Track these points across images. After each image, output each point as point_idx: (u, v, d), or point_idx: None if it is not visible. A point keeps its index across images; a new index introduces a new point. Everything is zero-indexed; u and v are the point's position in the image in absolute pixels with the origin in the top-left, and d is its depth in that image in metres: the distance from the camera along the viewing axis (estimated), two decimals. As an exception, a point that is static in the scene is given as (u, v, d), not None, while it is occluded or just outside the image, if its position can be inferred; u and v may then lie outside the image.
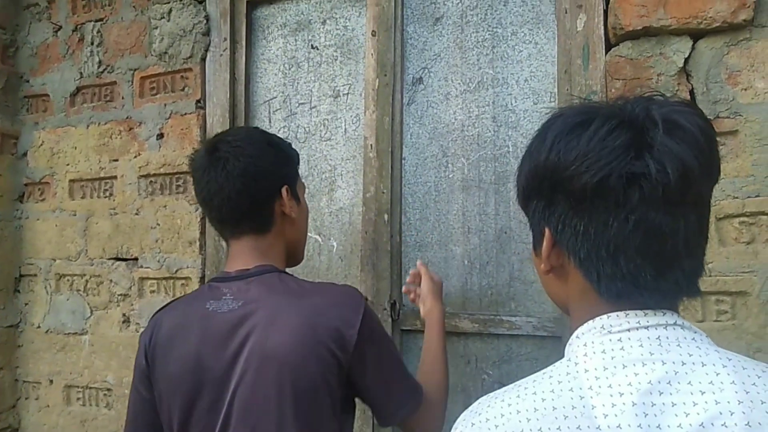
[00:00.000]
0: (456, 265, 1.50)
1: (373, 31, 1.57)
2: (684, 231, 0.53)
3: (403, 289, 1.35)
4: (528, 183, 0.60)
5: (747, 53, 1.20)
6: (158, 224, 1.78)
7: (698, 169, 0.52)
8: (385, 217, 1.54)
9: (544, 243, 0.59)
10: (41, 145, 1.99)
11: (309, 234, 1.63)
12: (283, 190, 0.99)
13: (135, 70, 1.84)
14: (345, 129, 1.63)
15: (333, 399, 0.88)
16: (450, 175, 1.52)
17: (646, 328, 0.53)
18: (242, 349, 0.87)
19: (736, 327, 1.18)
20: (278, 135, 1.08)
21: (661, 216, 0.52)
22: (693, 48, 1.23)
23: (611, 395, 0.50)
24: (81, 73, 1.93)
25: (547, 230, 0.58)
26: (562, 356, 1.39)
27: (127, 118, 1.85)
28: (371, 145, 1.56)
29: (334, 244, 1.63)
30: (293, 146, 1.08)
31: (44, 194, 1.99)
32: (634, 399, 0.49)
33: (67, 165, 1.95)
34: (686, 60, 1.23)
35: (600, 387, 0.51)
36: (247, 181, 0.95)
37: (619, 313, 0.55)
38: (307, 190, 1.65)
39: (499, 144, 1.47)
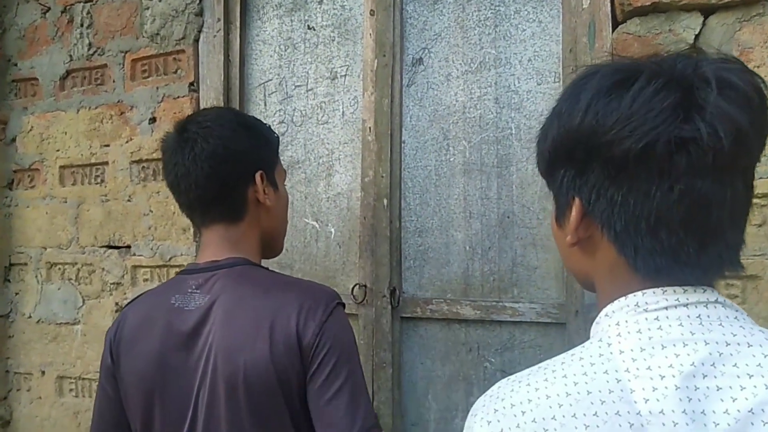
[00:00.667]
0: (457, 251, 1.46)
1: (371, 10, 1.52)
2: (731, 201, 0.49)
3: None
4: (556, 149, 0.55)
5: (760, 29, 1.16)
6: (151, 211, 1.74)
7: (752, 132, 0.47)
8: (384, 202, 1.50)
9: (573, 214, 0.54)
10: (30, 130, 1.94)
11: (306, 220, 1.59)
12: (257, 176, 0.92)
13: (126, 52, 1.79)
14: (343, 112, 1.59)
15: (292, 409, 0.81)
16: (451, 159, 1.48)
17: (686, 305, 0.49)
18: (205, 346, 0.83)
19: (747, 311, 1.14)
20: (258, 117, 1.02)
21: (708, 185, 0.47)
22: (704, 24, 1.19)
23: (651, 378, 0.46)
24: (70, 56, 1.87)
25: (577, 200, 0.54)
26: (568, 343, 1.35)
27: (118, 101, 1.80)
28: (370, 128, 1.52)
29: (332, 230, 1.59)
30: (281, 130, 1.03)
31: (34, 181, 1.94)
32: (677, 382, 0.45)
33: (57, 151, 1.90)
34: (696, 37, 1.19)
35: (638, 369, 0.47)
36: (216, 165, 0.88)
37: (655, 289, 0.51)
38: (304, 174, 1.61)
39: (502, 126, 1.43)
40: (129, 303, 0.96)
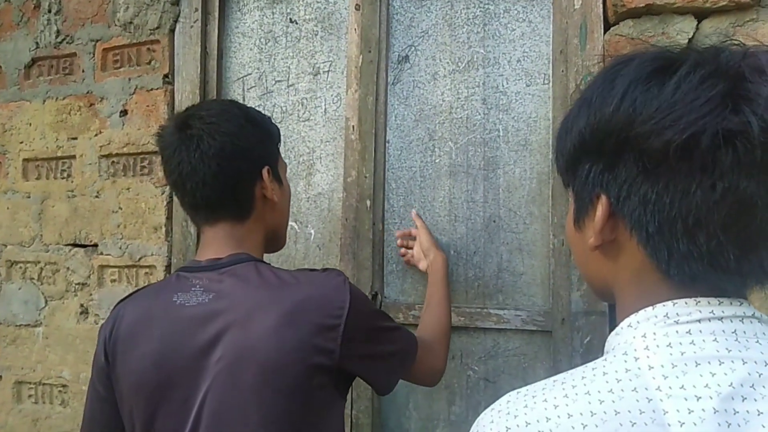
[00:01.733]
0: (441, 255, 1.41)
1: (357, 4, 1.47)
2: None
3: (400, 251, 1.40)
4: (583, 141, 0.50)
5: (753, 35, 1.14)
6: (120, 208, 1.65)
7: None
8: (367, 203, 1.44)
9: (598, 213, 0.50)
10: (-8, 120, 1.83)
11: (285, 220, 1.53)
12: (264, 172, 0.90)
13: (97, 41, 1.70)
14: (325, 109, 1.53)
15: (316, 400, 0.79)
16: (436, 160, 1.43)
17: (720, 319, 0.45)
18: (214, 347, 0.78)
19: None
20: (256, 109, 0.97)
21: (754, 184, 0.43)
22: (697, 29, 1.17)
23: (686, 399, 0.41)
24: (37, 43, 1.78)
25: (603, 197, 0.49)
26: (553, 352, 1.31)
27: (87, 92, 1.71)
28: (353, 126, 1.46)
29: (312, 231, 1.53)
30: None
31: (-5, 174, 1.83)
32: (715, 405, 0.41)
33: (21, 143, 1.79)
34: (690, 40, 1.17)
35: (671, 388, 0.42)
36: (224, 163, 0.85)
37: (687, 300, 0.46)
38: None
39: (489, 128, 1.39)
40: (123, 300, 0.91)
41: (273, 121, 0.98)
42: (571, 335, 1.27)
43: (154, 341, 0.81)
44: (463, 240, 1.40)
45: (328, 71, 1.53)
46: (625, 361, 0.45)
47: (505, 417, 0.46)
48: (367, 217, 1.44)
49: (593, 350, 1.25)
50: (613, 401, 0.43)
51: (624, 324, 0.49)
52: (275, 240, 1.00)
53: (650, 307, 0.48)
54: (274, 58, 1.59)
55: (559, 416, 0.43)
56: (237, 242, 0.88)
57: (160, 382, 0.79)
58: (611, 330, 1.25)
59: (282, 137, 1.53)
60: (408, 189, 1.45)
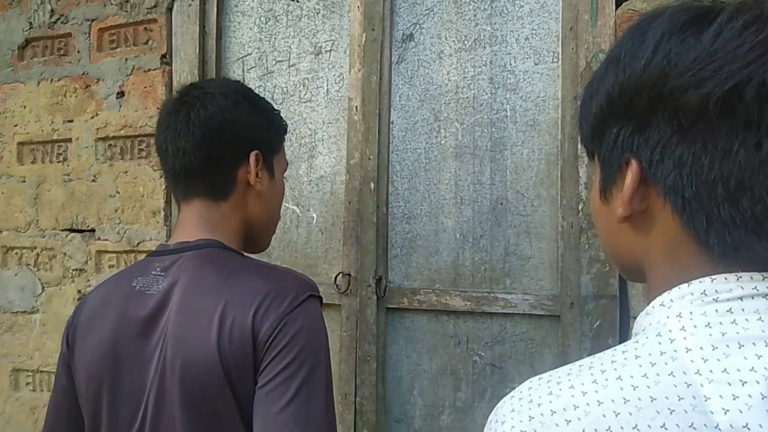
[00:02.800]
0: (447, 239, 1.38)
1: (359, -19, 1.43)
2: None
3: None
4: (610, 101, 0.46)
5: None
6: (118, 192, 1.62)
7: None
8: (371, 185, 1.41)
9: (628, 179, 0.45)
10: (-15, 103, 1.79)
11: (286, 205, 1.49)
12: (252, 155, 0.83)
13: (92, 20, 1.66)
14: (327, 89, 1.49)
15: (247, 414, 0.70)
16: (442, 142, 1.39)
17: (765, 296, 0.41)
18: (160, 338, 0.73)
19: None
20: (267, 99, 0.92)
21: None
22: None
23: (730, 384, 0.38)
24: (30, 23, 1.73)
25: (634, 162, 0.45)
26: (562, 337, 1.28)
27: (83, 74, 1.67)
28: (356, 107, 1.42)
29: (314, 215, 1.50)
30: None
31: (-11, 158, 1.79)
32: (762, 390, 0.37)
33: (16, 126, 1.75)
34: (705, 15, 1.13)
35: (712, 372, 0.39)
36: (209, 132, 0.80)
37: (727, 275, 0.42)
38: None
39: (497, 108, 1.36)
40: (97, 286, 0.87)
41: (280, 114, 0.92)
42: (580, 320, 1.24)
43: (107, 329, 0.76)
44: (469, 223, 1.37)
45: (331, 51, 1.49)
46: (660, 343, 0.42)
47: (527, 405, 0.42)
48: (371, 200, 1.41)
49: (603, 335, 1.23)
50: (648, 387, 0.39)
51: (656, 303, 0.45)
52: (256, 237, 0.90)
53: (685, 284, 0.44)
54: (275, 38, 1.54)
55: (588, 404, 0.39)
56: (211, 226, 0.82)
57: (110, 372, 0.74)
58: (622, 315, 1.23)
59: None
60: (413, 171, 1.41)
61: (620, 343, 1.25)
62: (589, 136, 0.51)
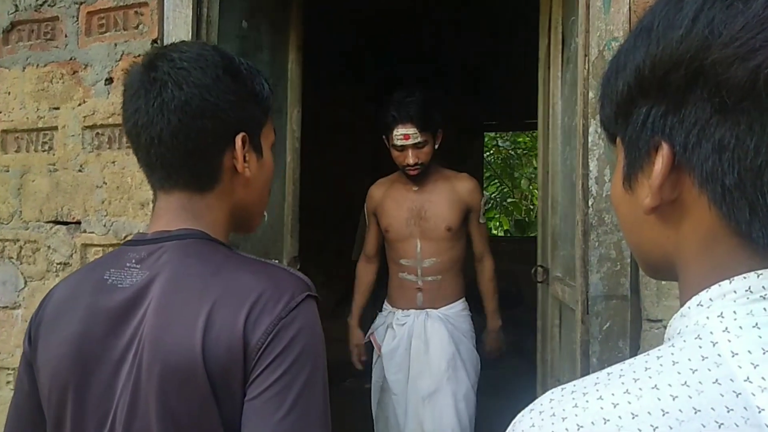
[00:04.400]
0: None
1: None
2: None
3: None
4: (640, 77, 0.41)
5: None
6: (105, 183, 1.55)
7: None
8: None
9: (658, 165, 0.40)
10: (-32, 89, 1.72)
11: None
12: (238, 139, 0.74)
13: (81, 3, 1.59)
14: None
15: (232, 427, 0.64)
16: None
17: None
18: (135, 337, 0.66)
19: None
20: (248, 61, 0.80)
21: None
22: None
23: None
24: (16, 6, 1.67)
25: (665, 146, 0.40)
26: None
27: (70, 59, 1.60)
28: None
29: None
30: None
31: (-29, 146, 1.72)
32: None
33: (0, 113, 1.68)
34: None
35: (765, 380, 0.34)
36: (187, 119, 0.70)
37: None
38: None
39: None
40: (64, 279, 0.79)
41: (264, 79, 0.79)
42: (589, 321, 1.19)
43: (73, 325, 0.68)
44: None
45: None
46: (700, 347, 0.37)
47: (549, 420, 0.38)
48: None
49: (613, 337, 1.17)
50: (690, 397, 0.34)
51: (692, 303, 0.40)
52: (245, 220, 0.83)
53: (726, 281, 0.39)
54: (271, 23, 1.48)
55: (620, 416, 0.35)
56: (192, 216, 0.73)
57: (76, 372, 0.67)
58: (634, 316, 1.17)
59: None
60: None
61: (630, 347, 1.21)
62: (612, 116, 0.46)
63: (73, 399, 0.66)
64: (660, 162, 0.40)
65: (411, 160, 1.77)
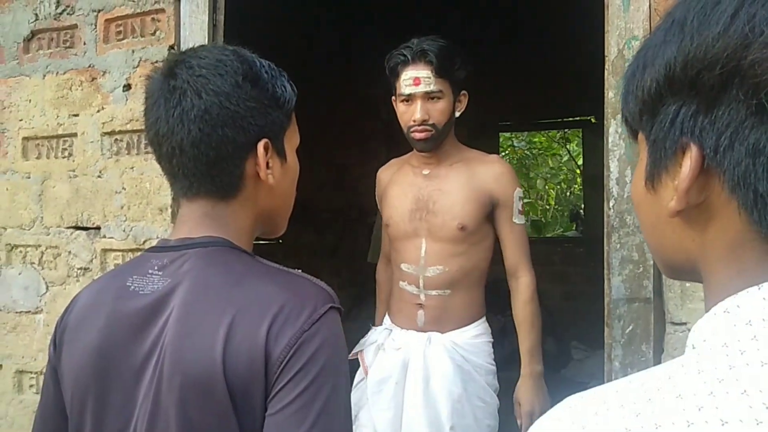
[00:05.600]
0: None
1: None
2: None
3: None
4: (670, 75, 0.40)
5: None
6: (124, 188, 1.56)
7: None
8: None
9: (686, 168, 0.39)
10: (-10, 97, 1.75)
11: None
12: (260, 146, 0.73)
13: (99, 11, 1.61)
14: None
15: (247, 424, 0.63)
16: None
17: None
18: (156, 346, 0.65)
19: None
20: (267, 63, 0.78)
21: None
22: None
23: None
24: (36, 15, 1.69)
25: (694, 148, 0.38)
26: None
27: (89, 66, 1.62)
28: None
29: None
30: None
31: (-6, 154, 1.75)
32: None
33: (20, 120, 1.71)
34: None
35: None
36: (208, 129, 0.69)
37: None
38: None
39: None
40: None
41: (286, 79, 0.77)
42: (611, 324, 1.17)
43: (94, 333, 0.68)
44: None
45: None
46: (727, 355, 0.36)
47: (569, 428, 0.37)
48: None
49: (636, 341, 1.15)
50: (717, 407, 0.33)
51: (718, 309, 0.39)
52: (271, 225, 0.82)
53: (755, 288, 0.37)
54: (287, 28, 1.48)
55: (642, 426, 0.34)
56: (216, 223, 0.72)
57: (96, 381, 0.67)
58: (657, 320, 1.15)
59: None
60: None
61: (654, 351, 1.18)
62: (637, 113, 0.44)
63: (93, 408, 0.66)
64: (688, 164, 0.39)
65: (419, 114, 1.34)
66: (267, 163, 0.74)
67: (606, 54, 1.19)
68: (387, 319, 1.53)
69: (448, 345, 1.39)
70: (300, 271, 0.75)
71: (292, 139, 0.80)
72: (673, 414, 0.33)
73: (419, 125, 1.35)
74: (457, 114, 1.41)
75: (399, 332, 1.45)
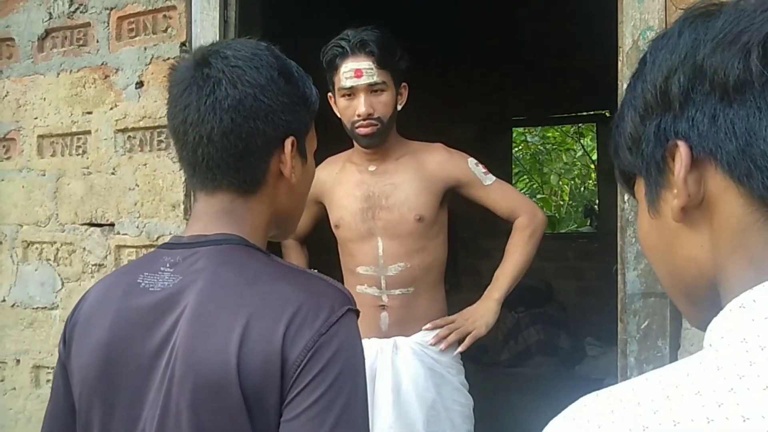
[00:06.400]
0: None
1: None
2: None
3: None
4: (646, 104, 0.44)
5: None
6: (137, 185, 1.58)
7: None
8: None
9: (679, 162, 0.40)
10: (6, 96, 1.78)
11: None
12: (288, 143, 0.72)
13: (111, 9, 1.62)
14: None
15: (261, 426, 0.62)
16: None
17: None
18: (166, 345, 0.65)
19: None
20: (295, 64, 0.77)
21: None
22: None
23: None
24: (50, 14, 1.70)
25: (680, 143, 0.40)
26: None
27: (102, 64, 1.64)
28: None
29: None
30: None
31: (9, 152, 1.78)
32: None
33: (35, 119, 1.73)
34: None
35: None
36: (240, 120, 0.68)
37: None
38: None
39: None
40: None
41: (311, 83, 0.77)
42: (626, 320, 1.15)
43: (103, 330, 0.67)
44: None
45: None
46: (747, 351, 0.35)
47: (584, 428, 0.36)
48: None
49: (652, 336, 1.13)
50: (738, 404, 0.32)
51: (733, 305, 0.38)
52: (283, 226, 0.81)
53: (766, 284, 0.36)
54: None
55: (660, 424, 0.33)
56: (232, 220, 0.72)
57: (103, 379, 0.66)
58: (672, 315, 1.13)
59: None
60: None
61: (671, 346, 1.17)
62: (628, 152, 0.46)
63: (101, 405, 0.66)
64: (680, 159, 0.41)
65: (363, 108, 1.28)
66: (291, 162, 0.73)
67: (620, 45, 1.17)
68: None
69: (416, 348, 1.34)
70: (316, 271, 0.74)
71: (311, 142, 0.80)
72: (692, 411, 0.33)
73: (364, 120, 1.30)
74: (399, 107, 1.37)
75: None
